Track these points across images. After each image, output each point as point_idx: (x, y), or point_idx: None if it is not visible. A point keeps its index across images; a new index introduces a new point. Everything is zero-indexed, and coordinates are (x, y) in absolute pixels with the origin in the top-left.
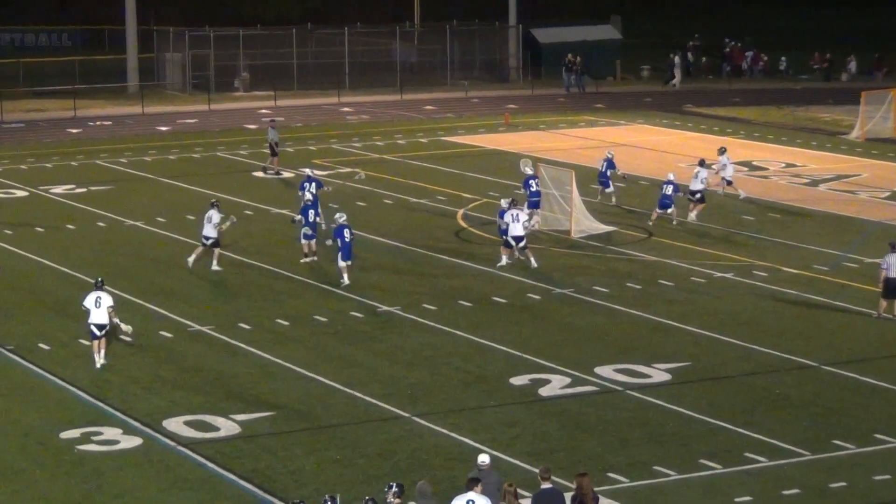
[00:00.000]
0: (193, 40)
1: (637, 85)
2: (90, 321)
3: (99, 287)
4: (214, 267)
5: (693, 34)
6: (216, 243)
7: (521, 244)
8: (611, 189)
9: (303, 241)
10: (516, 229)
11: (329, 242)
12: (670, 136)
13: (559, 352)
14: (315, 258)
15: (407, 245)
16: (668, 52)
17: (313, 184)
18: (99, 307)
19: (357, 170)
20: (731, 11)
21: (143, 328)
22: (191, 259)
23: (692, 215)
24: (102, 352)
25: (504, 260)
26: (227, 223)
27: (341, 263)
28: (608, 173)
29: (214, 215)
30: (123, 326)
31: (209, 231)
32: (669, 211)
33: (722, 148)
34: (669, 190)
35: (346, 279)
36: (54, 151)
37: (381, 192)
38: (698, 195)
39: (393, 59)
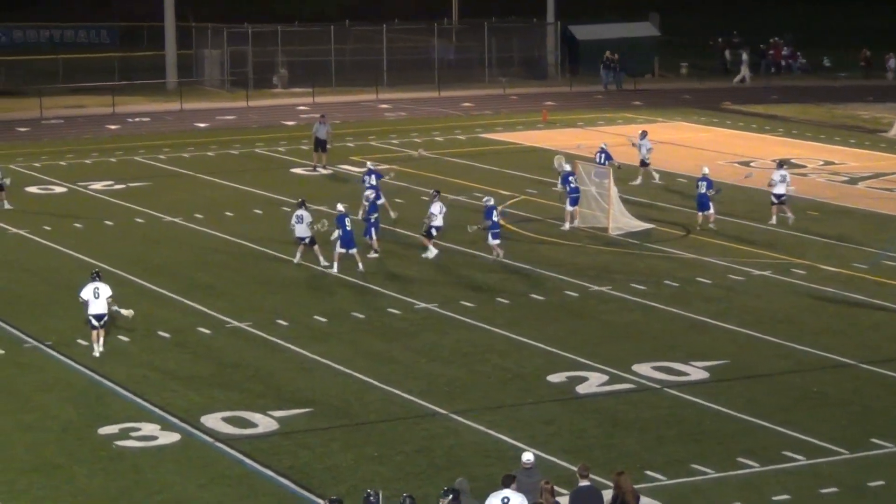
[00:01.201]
0: (232, 37)
1: (675, 82)
2: (89, 312)
3: (95, 278)
4: (322, 263)
5: (731, 31)
6: (313, 241)
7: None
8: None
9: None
10: (438, 220)
11: (325, 228)
12: (709, 133)
13: (596, 349)
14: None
15: (444, 242)
16: (707, 50)
17: (373, 176)
18: (98, 298)
19: (420, 150)
20: (769, 8)
21: (181, 324)
22: (296, 259)
23: (790, 217)
24: (101, 340)
25: (430, 252)
26: (319, 226)
27: (339, 250)
28: (606, 164)
29: (306, 215)
30: (124, 311)
31: (302, 231)
32: (708, 213)
33: (643, 132)
34: (703, 188)
35: (335, 268)
36: (93, 147)
37: (418, 189)
38: (783, 197)
39: (431, 55)
